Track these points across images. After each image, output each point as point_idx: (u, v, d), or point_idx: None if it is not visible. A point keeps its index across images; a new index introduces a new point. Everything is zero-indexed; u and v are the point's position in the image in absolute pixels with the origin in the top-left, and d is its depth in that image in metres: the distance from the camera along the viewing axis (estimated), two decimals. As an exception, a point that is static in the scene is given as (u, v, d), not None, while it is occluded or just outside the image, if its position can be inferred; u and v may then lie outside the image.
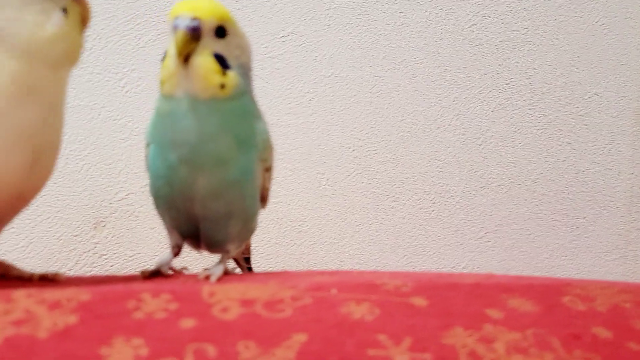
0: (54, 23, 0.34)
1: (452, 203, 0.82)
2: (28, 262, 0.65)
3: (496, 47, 0.84)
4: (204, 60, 0.37)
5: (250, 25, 0.78)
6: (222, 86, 0.37)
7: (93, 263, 0.69)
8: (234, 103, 0.38)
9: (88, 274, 0.68)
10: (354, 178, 0.78)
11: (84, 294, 0.32)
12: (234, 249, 0.43)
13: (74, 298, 0.32)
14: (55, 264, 0.67)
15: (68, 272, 0.68)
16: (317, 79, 0.78)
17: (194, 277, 0.39)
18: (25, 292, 0.32)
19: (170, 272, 0.42)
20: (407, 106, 0.81)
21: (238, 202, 0.40)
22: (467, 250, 0.82)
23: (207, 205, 0.40)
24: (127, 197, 0.70)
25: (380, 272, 0.44)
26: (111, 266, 0.69)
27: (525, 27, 0.86)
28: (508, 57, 0.85)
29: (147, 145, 0.41)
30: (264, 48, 0.76)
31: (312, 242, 0.76)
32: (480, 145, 0.83)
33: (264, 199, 0.44)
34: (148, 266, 0.70)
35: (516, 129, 0.85)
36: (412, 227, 0.80)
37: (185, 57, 0.37)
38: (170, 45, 0.38)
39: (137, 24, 0.71)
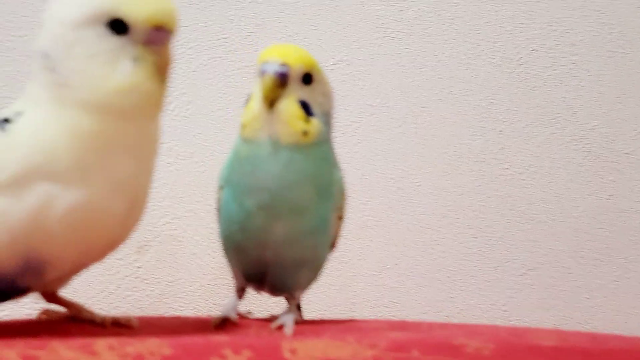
0: (121, 74, 0.32)
1: (494, 238, 0.80)
2: (69, 284, 0.65)
3: (543, 81, 0.83)
4: (289, 106, 0.37)
5: (299, 52, 0.77)
6: (305, 133, 0.37)
7: (134, 287, 0.68)
8: (315, 151, 0.38)
9: (129, 298, 0.68)
10: (396, 209, 0.77)
11: (165, 348, 0.31)
12: (300, 295, 0.42)
13: (156, 352, 0.31)
14: (97, 287, 0.66)
15: (109, 295, 0.68)
16: (363, 108, 0.77)
17: (266, 325, 0.39)
18: (106, 344, 0.31)
19: (237, 317, 0.41)
20: (452, 138, 0.80)
21: (311, 251, 0.40)
22: (507, 287, 0.80)
23: (281, 252, 0.39)
24: (171, 221, 0.69)
25: (452, 326, 0.43)
26: (152, 291, 0.69)
27: (573, 62, 0.85)
28: (554, 91, 0.84)
29: (220, 188, 0.41)
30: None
31: (352, 274, 0.75)
32: (524, 180, 0.82)
33: (332, 245, 0.43)
34: (188, 292, 0.70)
35: (560, 165, 0.83)
36: (452, 261, 0.79)
37: (271, 102, 0.37)
38: (256, 88, 0.38)
39: (189, 48, 0.71)
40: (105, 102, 0.32)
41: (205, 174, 0.70)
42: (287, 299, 0.42)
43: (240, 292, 0.43)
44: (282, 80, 0.37)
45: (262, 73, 0.37)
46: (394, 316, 0.76)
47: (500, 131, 0.82)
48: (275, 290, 0.42)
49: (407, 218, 0.78)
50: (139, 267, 0.68)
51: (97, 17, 0.32)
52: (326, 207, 0.39)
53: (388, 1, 0.79)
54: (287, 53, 0.38)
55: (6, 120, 0.33)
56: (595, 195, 0.84)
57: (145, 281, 0.69)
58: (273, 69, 0.37)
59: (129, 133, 0.33)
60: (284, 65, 0.37)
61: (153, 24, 0.32)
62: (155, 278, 0.69)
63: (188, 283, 0.70)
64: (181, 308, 0.69)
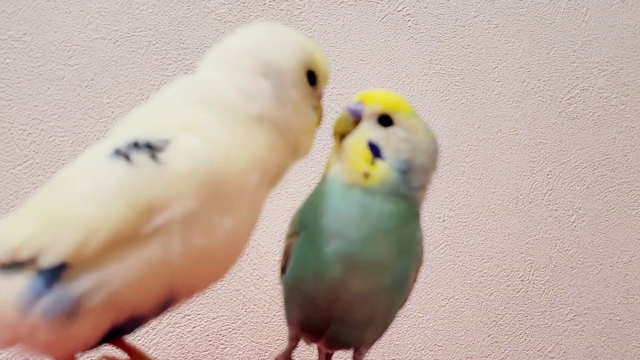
0: (310, 119, 0.35)
1: (541, 282, 0.78)
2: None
3: (593, 121, 0.82)
4: (354, 144, 0.37)
5: (348, 87, 0.76)
6: (366, 175, 0.36)
7: (176, 323, 0.67)
8: (390, 202, 0.36)
9: (170, 334, 0.66)
10: (442, 250, 0.75)
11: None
12: (365, 353, 0.40)
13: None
14: (139, 322, 0.65)
15: (150, 330, 0.66)
16: (410, 145, 0.76)
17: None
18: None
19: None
20: (500, 178, 0.78)
21: (384, 311, 0.38)
22: (555, 333, 0.78)
23: (353, 308, 0.37)
24: (215, 257, 0.68)
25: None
26: (193, 327, 0.67)
27: (624, 102, 0.83)
28: (605, 132, 0.82)
29: (294, 234, 0.39)
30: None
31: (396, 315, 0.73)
32: (573, 222, 0.80)
33: (402, 305, 0.41)
34: (230, 329, 0.68)
35: (610, 208, 0.81)
36: (498, 304, 0.76)
37: (340, 137, 0.37)
38: None
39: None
40: (302, 141, 0.35)
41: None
42: (354, 356, 0.40)
43: (295, 341, 0.41)
44: (352, 116, 0.37)
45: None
46: (437, 360, 0.74)
47: (549, 171, 0.80)
48: (334, 345, 0.40)
49: (453, 259, 0.76)
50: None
51: (305, 65, 0.35)
52: (406, 266, 0.37)
53: (438, 37, 0.78)
54: (368, 94, 0.38)
55: (152, 148, 0.29)
56: (646, 239, 0.81)
57: (187, 317, 0.67)
58: (348, 105, 0.37)
59: (289, 168, 0.35)
60: (358, 103, 0.37)
61: (327, 81, 0.36)
62: (197, 314, 0.67)
63: (230, 320, 0.68)
64: (222, 345, 0.68)
